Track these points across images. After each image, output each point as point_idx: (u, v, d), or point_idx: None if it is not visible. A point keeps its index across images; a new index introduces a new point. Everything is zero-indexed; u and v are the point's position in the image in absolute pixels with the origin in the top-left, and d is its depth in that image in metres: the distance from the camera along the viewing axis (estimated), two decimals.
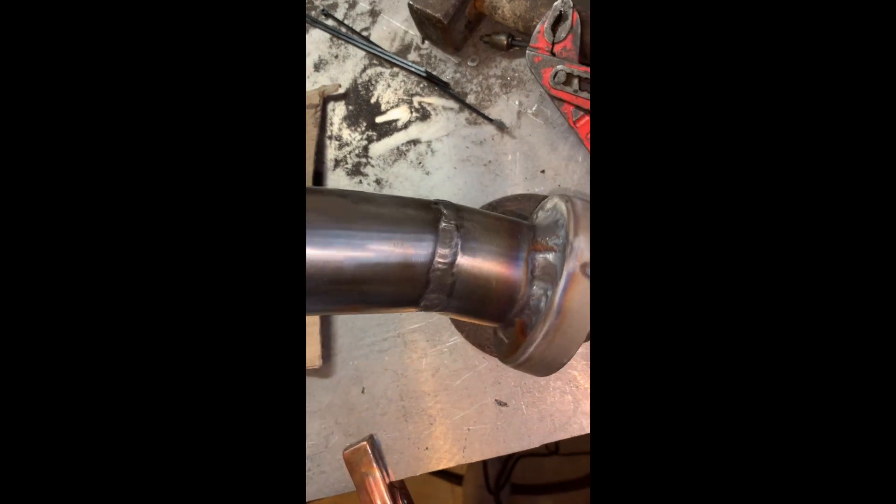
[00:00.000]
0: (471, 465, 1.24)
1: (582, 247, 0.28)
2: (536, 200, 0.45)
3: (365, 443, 0.44)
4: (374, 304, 0.31)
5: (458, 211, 0.31)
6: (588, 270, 0.27)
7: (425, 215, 0.30)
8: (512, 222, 0.33)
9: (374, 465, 0.44)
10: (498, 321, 0.32)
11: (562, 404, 0.41)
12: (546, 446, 1.26)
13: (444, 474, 1.33)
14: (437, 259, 0.30)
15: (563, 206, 0.31)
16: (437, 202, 0.32)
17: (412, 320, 0.46)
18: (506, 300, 0.31)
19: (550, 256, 0.30)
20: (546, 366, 0.29)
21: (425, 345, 0.45)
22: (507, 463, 1.17)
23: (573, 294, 0.27)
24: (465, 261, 0.30)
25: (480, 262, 0.30)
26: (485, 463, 1.13)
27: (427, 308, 0.32)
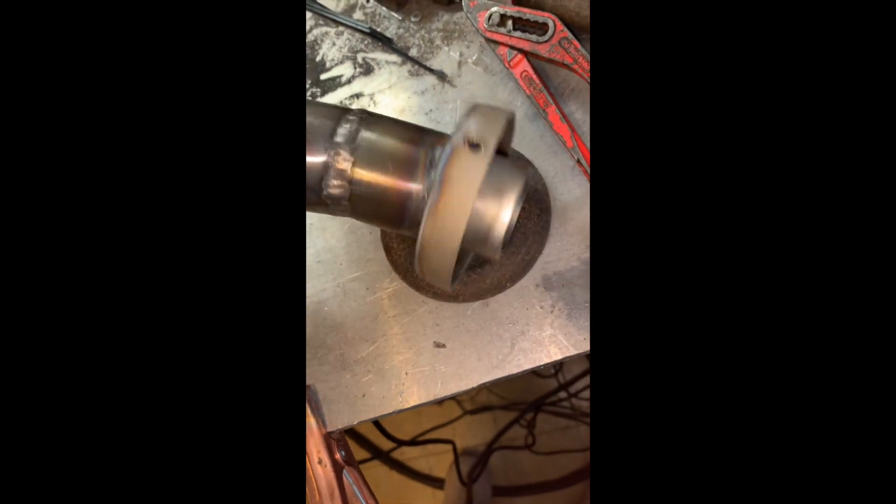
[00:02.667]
0: (451, 468, 1.20)
1: (469, 125, 0.27)
2: None
3: None
4: None
5: (364, 118, 0.32)
6: (472, 140, 0.26)
7: (329, 119, 0.31)
8: (416, 128, 0.33)
9: (311, 415, 0.42)
10: (397, 224, 0.32)
11: (499, 342, 0.40)
12: (524, 439, 1.23)
13: (425, 478, 1.30)
14: (333, 163, 0.30)
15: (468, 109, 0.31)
16: (349, 111, 0.32)
17: (352, 269, 0.45)
18: (402, 200, 0.31)
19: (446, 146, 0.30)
20: (441, 256, 0.28)
21: (365, 292, 0.44)
22: (482, 456, 1.14)
23: (453, 163, 0.27)
24: (364, 138, 0.31)
25: (376, 171, 0.31)
26: (456, 457, 1.10)
27: (330, 208, 0.32)
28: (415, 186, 0.30)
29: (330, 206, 0.32)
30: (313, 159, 0.31)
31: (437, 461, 1.28)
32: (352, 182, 0.31)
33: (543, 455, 1.22)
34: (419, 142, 0.31)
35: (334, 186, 0.31)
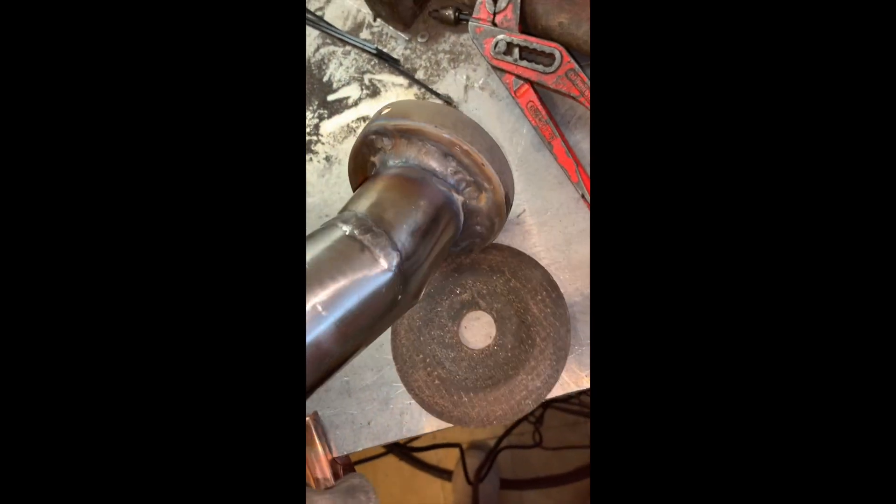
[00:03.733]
0: (459, 462, 1.23)
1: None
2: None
3: (308, 419, 0.44)
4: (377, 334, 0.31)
5: (369, 217, 0.30)
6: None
7: (352, 247, 0.28)
8: (410, 181, 0.33)
9: (317, 441, 0.43)
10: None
11: None
12: (532, 437, 1.24)
13: (434, 470, 1.33)
14: (393, 269, 0.29)
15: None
16: (340, 227, 0.29)
17: None
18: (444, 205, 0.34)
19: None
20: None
21: None
22: (489, 455, 1.16)
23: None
24: (407, 247, 0.30)
25: (418, 240, 0.31)
26: (462, 455, 1.12)
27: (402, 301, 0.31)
28: (438, 186, 0.34)
29: (402, 298, 0.30)
30: (372, 271, 0.28)
31: (445, 454, 1.30)
32: (402, 249, 0.29)
33: (551, 450, 1.24)
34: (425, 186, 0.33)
35: (396, 266, 0.29)
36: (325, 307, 0.26)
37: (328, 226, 0.30)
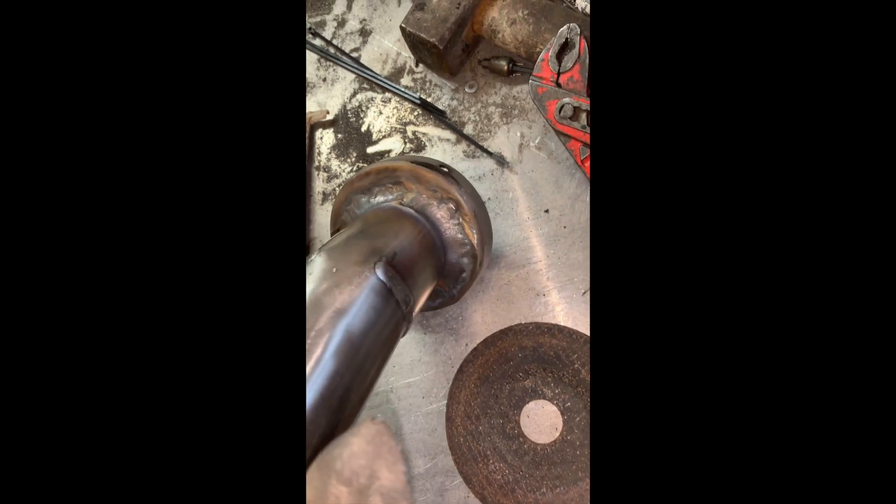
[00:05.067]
0: None
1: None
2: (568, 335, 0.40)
3: None
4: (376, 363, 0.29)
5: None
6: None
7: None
8: (411, 222, 0.35)
9: None
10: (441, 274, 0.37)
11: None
12: None
13: None
14: (401, 302, 0.30)
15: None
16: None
17: (404, 374, 0.43)
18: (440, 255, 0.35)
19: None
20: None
21: (420, 401, 0.42)
22: None
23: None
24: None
25: (418, 269, 0.32)
26: None
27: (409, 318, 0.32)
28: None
29: (406, 311, 0.31)
30: (360, 286, 0.28)
31: None
32: (394, 261, 0.30)
33: None
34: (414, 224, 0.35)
35: (393, 275, 0.30)
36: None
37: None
